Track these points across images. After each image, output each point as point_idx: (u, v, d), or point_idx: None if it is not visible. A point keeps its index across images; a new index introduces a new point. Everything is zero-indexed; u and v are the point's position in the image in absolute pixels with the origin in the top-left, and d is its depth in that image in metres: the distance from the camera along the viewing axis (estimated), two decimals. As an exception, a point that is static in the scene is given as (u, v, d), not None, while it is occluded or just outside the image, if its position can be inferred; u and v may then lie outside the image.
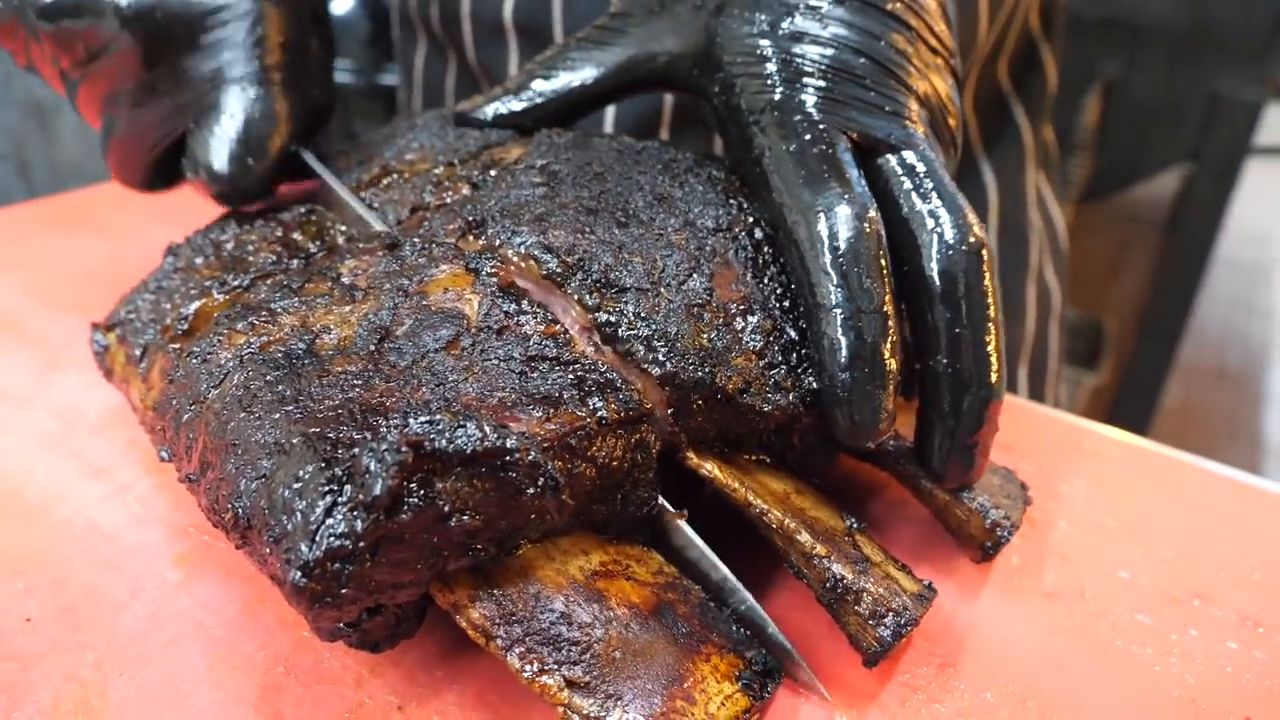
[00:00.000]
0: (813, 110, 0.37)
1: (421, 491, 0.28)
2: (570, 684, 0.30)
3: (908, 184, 0.36)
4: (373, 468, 0.27)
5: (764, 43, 0.38)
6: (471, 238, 0.37)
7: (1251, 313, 2.83)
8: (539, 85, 0.46)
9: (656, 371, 0.33)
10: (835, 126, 0.36)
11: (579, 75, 0.45)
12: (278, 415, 0.30)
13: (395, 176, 0.44)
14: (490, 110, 0.47)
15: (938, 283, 0.35)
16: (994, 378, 0.36)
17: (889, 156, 0.36)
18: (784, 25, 0.38)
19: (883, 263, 0.34)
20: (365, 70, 1.43)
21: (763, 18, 0.39)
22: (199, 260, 0.41)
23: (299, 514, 0.27)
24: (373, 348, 0.32)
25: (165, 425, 0.36)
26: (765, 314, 0.36)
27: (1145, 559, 0.44)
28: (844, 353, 0.33)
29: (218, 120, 0.44)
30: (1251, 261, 3.09)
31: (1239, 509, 0.48)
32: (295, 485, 0.27)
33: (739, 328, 0.35)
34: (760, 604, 0.35)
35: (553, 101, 0.46)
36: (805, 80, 0.37)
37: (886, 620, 0.32)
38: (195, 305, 0.37)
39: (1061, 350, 0.87)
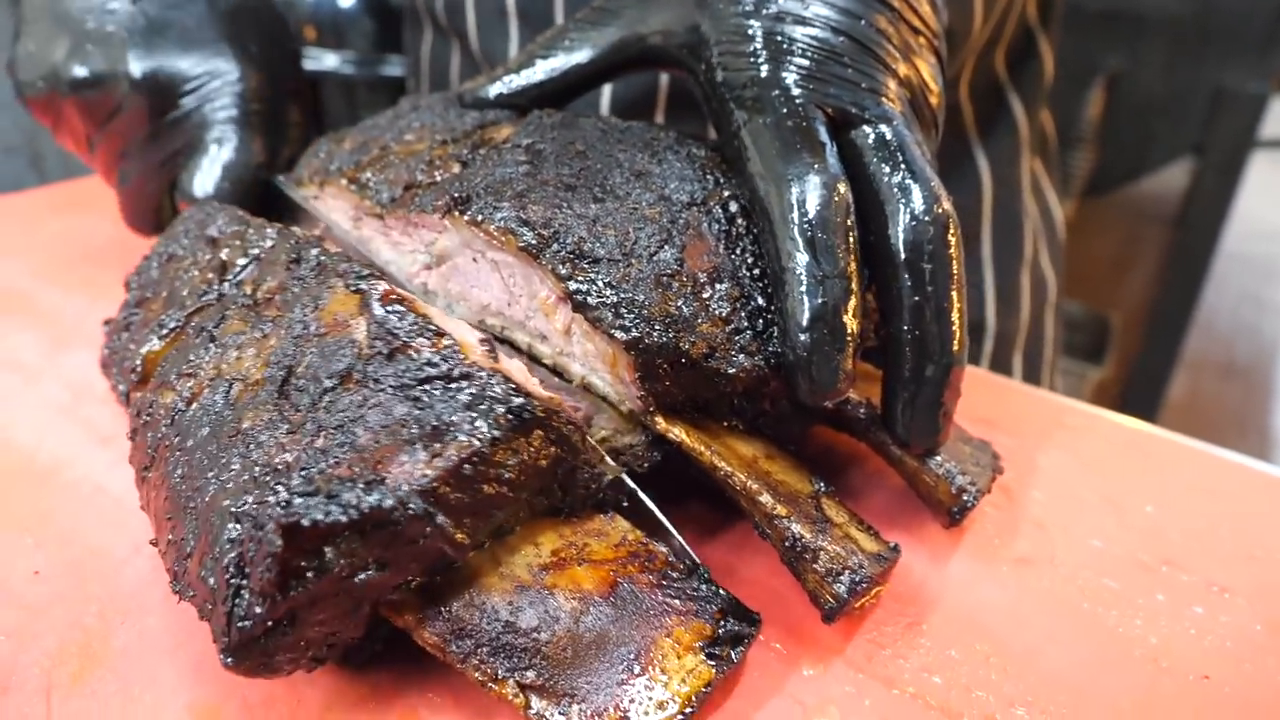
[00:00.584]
0: (791, 86, 0.38)
1: (315, 562, 0.28)
2: (525, 688, 0.31)
3: (879, 157, 0.37)
4: (257, 557, 0.27)
5: (748, 22, 0.40)
6: (457, 213, 0.39)
7: (1261, 307, 2.82)
8: (538, 65, 0.48)
9: (622, 336, 0.35)
10: (812, 102, 0.37)
11: (576, 55, 0.47)
12: (198, 486, 0.31)
13: (393, 157, 0.45)
14: (492, 90, 0.49)
15: (903, 251, 0.36)
16: (956, 345, 0.37)
17: (864, 128, 0.37)
18: (768, 6, 0.40)
19: (849, 230, 0.35)
20: (369, 62, 1.45)
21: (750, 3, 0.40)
22: (148, 294, 0.43)
23: (214, 603, 0.29)
24: (276, 393, 0.32)
25: (136, 479, 0.36)
26: (734, 283, 0.37)
27: (1118, 528, 0.45)
28: (805, 315, 0.34)
29: (203, 154, 0.53)
30: (1261, 256, 3.08)
31: (1215, 482, 0.49)
32: (207, 571, 0.29)
33: (706, 296, 0.36)
34: (737, 565, 0.37)
35: (551, 80, 0.48)
36: (786, 58, 0.38)
37: (843, 577, 0.34)
38: (143, 352, 0.38)
39: (1058, 340, 0.88)
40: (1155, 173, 1.84)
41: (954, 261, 0.36)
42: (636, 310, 0.35)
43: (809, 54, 0.38)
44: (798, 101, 0.38)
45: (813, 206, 0.35)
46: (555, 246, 0.37)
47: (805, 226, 0.35)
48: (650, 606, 0.33)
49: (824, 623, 0.35)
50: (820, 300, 0.34)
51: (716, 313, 0.36)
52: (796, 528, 0.35)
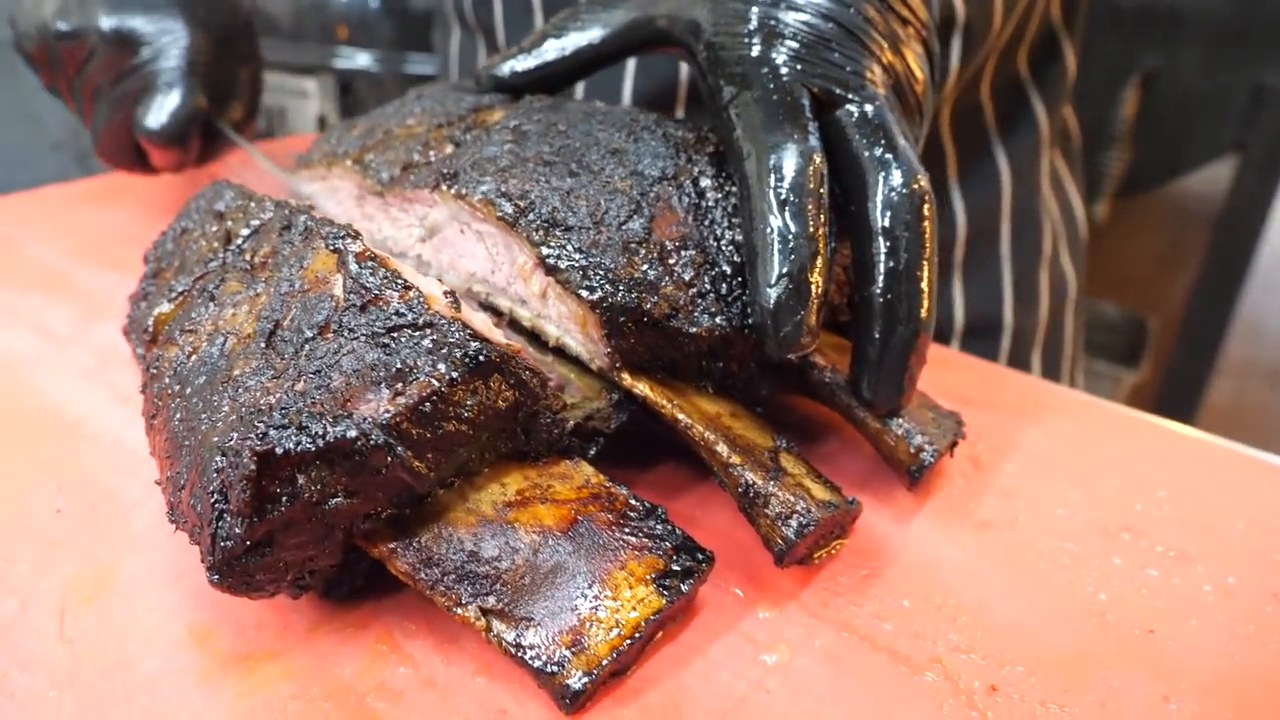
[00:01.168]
0: (779, 65, 0.40)
1: (288, 488, 0.31)
2: (486, 612, 0.33)
3: (861, 133, 0.39)
4: (234, 481, 0.30)
5: (745, 7, 0.42)
6: (445, 187, 0.42)
7: (1313, 311, 2.74)
8: (549, 44, 0.50)
9: (588, 296, 0.37)
10: (798, 80, 0.40)
11: (587, 35, 0.49)
12: (193, 426, 0.34)
13: (394, 140, 0.49)
14: (506, 68, 0.51)
15: (880, 220, 0.38)
16: (924, 311, 0.39)
17: (848, 107, 0.39)
18: None
19: (821, 197, 0.37)
20: (392, 60, 1.50)
21: None
22: (163, 265, 0.46)
23: (201, 526, 0.32)
24: (264, 344, 0.35)
25: (146, 427, 0.39)
26: (699, 250, 0.40)
27: (1084, 498, 0.46)
28: (773, 273, 0.36)
29: (155, 96, 0.63)
30: (1314, 259, 2.99)
31: (1185, 460, 0.50)
32: (196, 499, 0.32)
33: (672, 261, 0.39)
34: (701, 517, 0.39)
35: (562, 60, 0.50)
36: (777, 40, 0.41)
37: (791, 521, 0.36)
38: (155, 314, 0.41)
39: (1079, 338, 0.88)
40: (1193, 172, 1.81)
41: (927, 234, 0.38)
42: (603, 273, 0.38)
43: (799, 37, 0.41)
44: (784, 79, 0.40)
45: (788, 173, 0.37)
46: (531, 216, 0.39)
47: (779, 191, 0.37)
48: (607, 542, 0.36)
49: (776, 565, 0.37)
50: (788, 259, 0.36)
51: (681, 276, 0.39)
52: (750, 475, 0.37)
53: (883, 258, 0.38)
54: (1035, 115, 0.75)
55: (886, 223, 0.38)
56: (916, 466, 0.42)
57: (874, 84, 0.40)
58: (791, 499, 0.36)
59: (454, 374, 0.33)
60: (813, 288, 0.37)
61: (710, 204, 0.41)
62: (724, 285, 0.39)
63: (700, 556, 0.36)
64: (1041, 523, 0.44)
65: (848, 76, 0.40)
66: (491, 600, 0.34)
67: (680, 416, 0.38)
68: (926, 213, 0.38)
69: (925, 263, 0.38)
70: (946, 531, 0.44)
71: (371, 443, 0.32)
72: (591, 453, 0.40)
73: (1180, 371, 1.86)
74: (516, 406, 0.36)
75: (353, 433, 0.31)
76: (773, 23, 0.41)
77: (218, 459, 0.31)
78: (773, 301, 0.37)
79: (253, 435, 0.31)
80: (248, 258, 0.40)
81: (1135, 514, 0.45)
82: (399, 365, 0.33)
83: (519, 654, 0.33)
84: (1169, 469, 0.49)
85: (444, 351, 0.33)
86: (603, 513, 0.37)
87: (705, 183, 0.41)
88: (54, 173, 1.68)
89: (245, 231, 0.41)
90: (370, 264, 0.35)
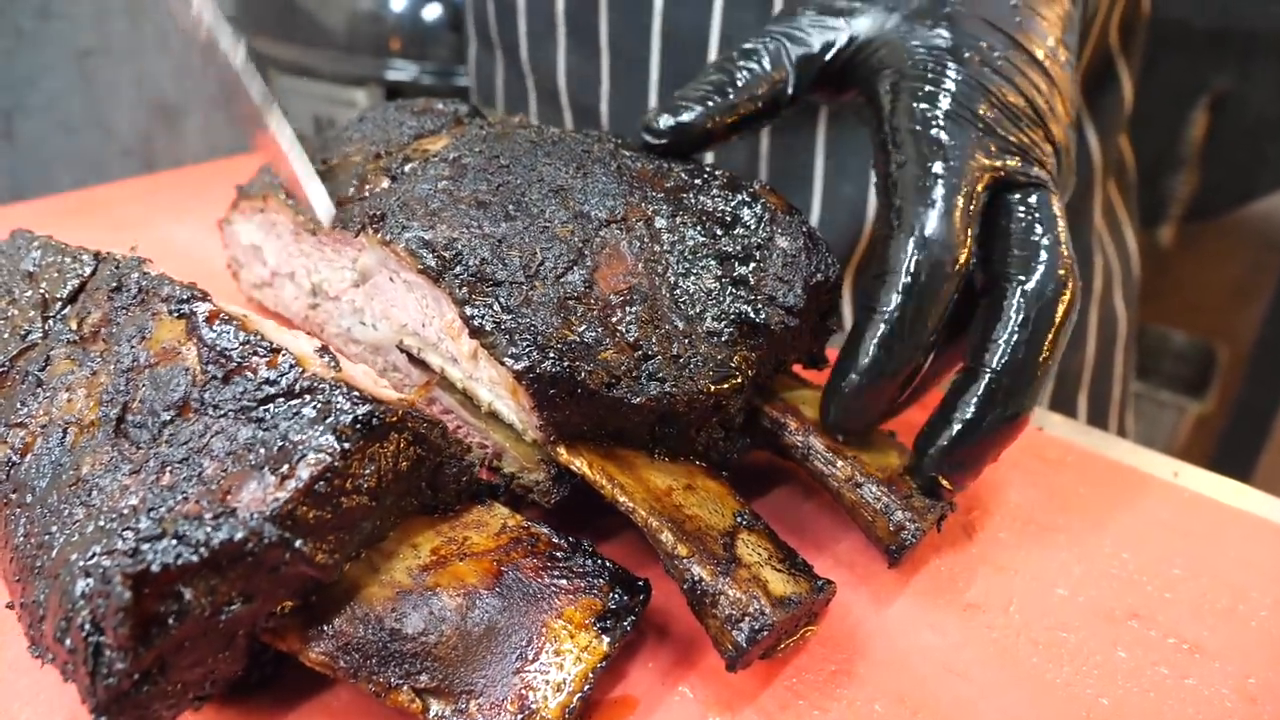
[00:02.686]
0: (965, 143, 0.38)
1: (174, 605, 0.27)
2: (420, 693, 0.30)
3: (1025, 219, 0.39)
4: (108, 612, 0.26)
5: (943, 58, 0.40)
6: (371, 230, 0.38)
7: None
8: (721, 89, 0.42)
9: (513, 365, 0.33)
10: (981, 168, 0.38)
11: (756, 75, 0.42)
12: (43, 542, 0.30)
13: (331, 171, 0.45)
14: (664, 123, 0.42)
15: (1020, 307, 0.37)
16: (1027, 409, 0.38)
17: (1018, 194, 0.39)
18: (965, 50, 0.40)
19: (946, 303, 0.37)
20: (446, 73, 1.49)
21: (947, 35, 0.40)
22: None
23: (75, 664, 0.27)
24: (114, 432, 0.31)
25: None
26: (648, 305, 0.35)
27: (1087, 575, 0.41)
28: (861, 360, 0.37)
29: None
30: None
31: (1203, 525, 0.45)
32: (62, 633, 0.27)
33: (615, 319, 0.35)
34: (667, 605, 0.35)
35: (723, 108, 0.42)
36: (968, 112, 0.39)
37: (742, 624, 0.32)
38: None
39: (1129, 379, 0.83)
40: (1267, 197, 1.72)
41: (1061, 335, 0.37)
42: (531, 337, 0.33)
43: (994, 110, 0.39)
44: (965, 162, 0.38)
45: (924, 272, 0.36)
46: (458, 269, 0.35)
47: (909, 284, 0.37)
48: (537, 590, 0.32)
49: (728, 670, 0.33)
50: (882, 359, 0.37)
51: (625, 337, 0.34)
52: (696, 570, 0.32)
53: (1011, 344, 0.37)
54: (1089, 146, 0.71)
55: (1025, 312, 0.37)
56: (896, 546, 0.37)
57: (1045, 167, 0.39)
58: (744, 599, 0.32)
59: (345, 444, 0.29)
60: (886, 395, 0.38)
61: (665, 248, 0.37)
62: (675, 345, 0.35)
63: (637, 587, 0.33)
64: (1038, 606, 0.40)
65: (1027, 162, 0.39)
66: (424, 679, 0.30)
67: (621, 499, 0.34)
68: (1063, 314, 0.38)
69: (1048, 362, 0.37)
70: (930, 615, 0.39)
71: (264, 541, 0.28)
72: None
73: (1248, 404, 1.77)
74: (419, 464, 0.32)
75: (240, 533, 0.27)
76: (970, 90, 0.39)
77: (82, 583, 0.27)
78: (841, 387, 0.38)
79: (120, 552, 0.26)
80: (74, 326, 0.35)
81: (1145, 596, 0.40)
82: (280, 442, 0.29)
83: None
84: (1186, 539, 0.44)
85: (330, 420, 0.29)
86: (527, 558, 0.33)
87: (660, 223, 0.37)
88: (122, 178, 1.68)
89: (63, 294, 0.36)
90: (227, 327, 0.31)
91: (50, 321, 0.36)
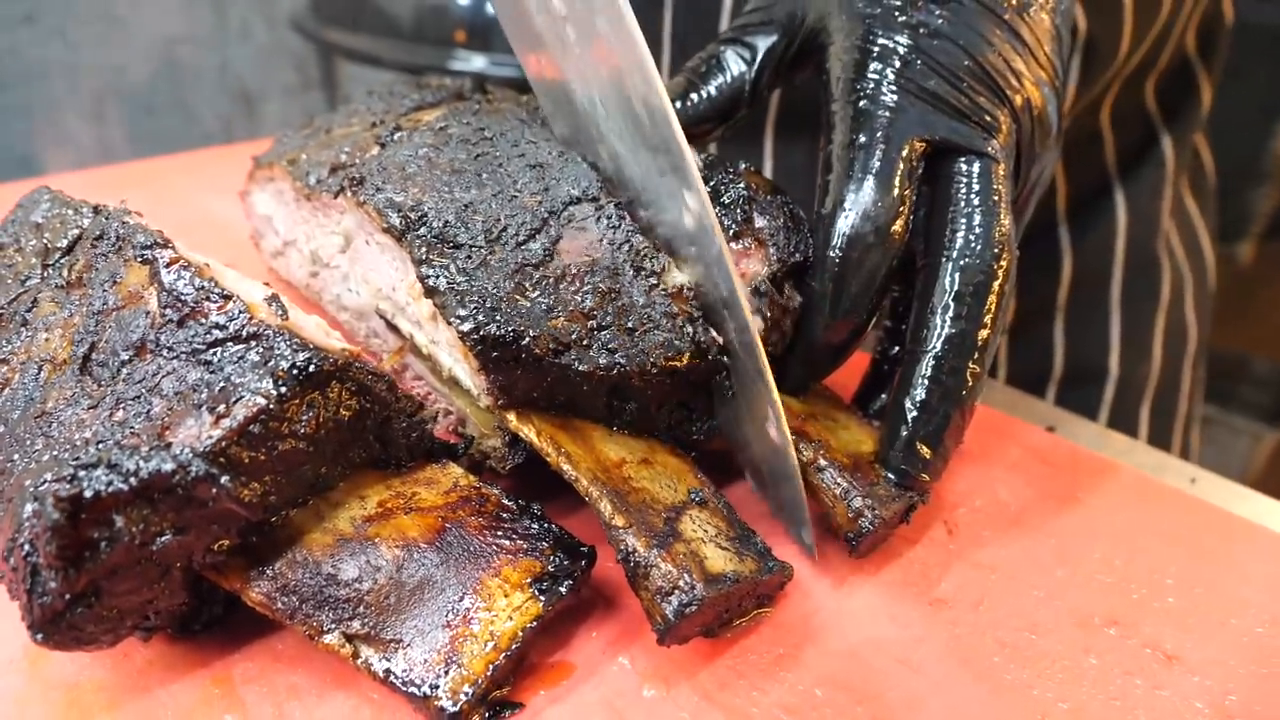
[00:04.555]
0: (901, 113, 0.38)
1: (107, 531, 0.28)
2: (351, 638, 0.31)
3: (962, 190, 0.38)
4: (41, 532, 0.27)
5: (884, 32, 0.39)
6: (350, 193, 0.39)
7: None
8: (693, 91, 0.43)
9: (458, 326, 0.33)
10: (915, 135, 0.38)
11: (732, 69, 0.43)
12: (5, 469, 0.31)
13: (331, 138, 0.46)
14: None
15: (951, 282, 0.37)
16: (971, 383, 0.37)
17: (960, 163, 0.38)
18: (908, 13, 0.39)
19: (877, 278, 0.38)
20: (505, 63, 1.52)
21: (891, 2, 0.39)
22: None
23: (16, 582, 0.28)
24: (80, 370, 0.32)
25: None
26: (608, 277, 0.35)
27: (1070, 579, 0.40)
28: (803, 342, 0.39)
29: None
30: None
31: (1201, 533, 0.42)
32: (9, 552, 0.28)
33: (573, 289, 0.35)
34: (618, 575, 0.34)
35: (706, 104, 0.43)
36: (910, 81, 0.38)
37: (671, 598, 0.31)
38: None
39: (1197, 395, 0.79)
40: None
41: (993, 308, 0.37)
42: (480, 299, 0.34)
43: (933, 78, 0.38)
44: (900, 131, 0.38)
45: (857, 249, 0.37)
46: (422, 230, 0.36)
47: (840, 258, 0.37)
48: (478, 548, 0.33)
49: (658, 644, 0.33)
50: (821, 330, 0.39)
51: (579, 307, 0.34)
52: (631, 540, 0.32)
53: (948, 322, 0.37)
54: (1161, 150, 0.68)
55: (958, 286, 0.37)
56: (854, 533, 0.37)
57: (997, 136, 0.38)
58: (674, 572, 0.31)
59: (282, 388, 0.30)
60: (835, 362, 0.40)
61: (632, 229, 0.37)
62: (631, 318, 0.35)
63: (581, 553, 0.33)
64: (1010, 605, 0.38)
65: (970, 127, 0.38)
66: (356, 625, 0.31)
67: (565, 467, 0.34)
68: (998, 288, 0.37)
69: (985, 337, 0.37)
70: (893, 607, 0.38)
71: (192, 475, 0.29)
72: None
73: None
74: (363, 415, 0.32)
75: (169, 465, 0.28)
76: (907, 51, 0.38)
77: (28, 507, 0.28)
78: (800, 361, 0.40)
79: (60, 479, 0.28)
80: (64, 274, 0.37)
81: (1130, 603, 0.38)
82: (222, 384, 0.30)
83: (389, 679, 0.30)
84: (1186, 549, 0.41)
85: (270, 365, 0.30)
86: (473, 516, 0.33)
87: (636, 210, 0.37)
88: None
89: (63, 244, 0.38)
90: (184, 273, 0.32)
91: (48, 269, 0.38)
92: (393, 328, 0.41)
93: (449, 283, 0.34)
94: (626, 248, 0.36)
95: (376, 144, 0.42)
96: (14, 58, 1.49)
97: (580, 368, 0.34)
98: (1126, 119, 0.66)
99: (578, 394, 0.35)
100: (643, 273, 0.36)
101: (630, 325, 0.35)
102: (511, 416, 0.35)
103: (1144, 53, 0.63)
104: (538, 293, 0.34)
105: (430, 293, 0.34)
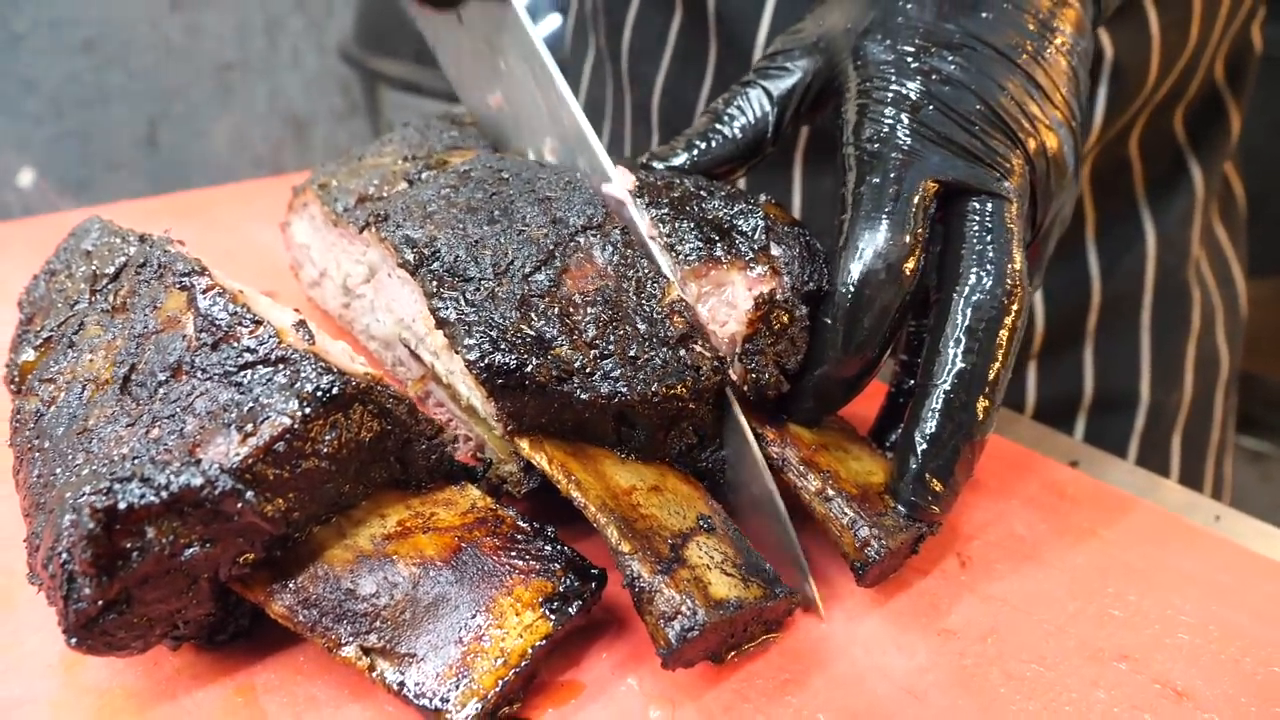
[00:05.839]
0: (913, 154, 0.39)
1: (139, 541, 0.29)
2: (368, 651, 0.32)
3: (975, 229, 0.39)
4: (77, 541, 0.29)
5: (896, 75, 0.40)
6: (374, 229, 0.40)
7: None
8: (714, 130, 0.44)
9: (466, 355, 0.35)
10: (927, 175, 0.39)
11: (755, 111, 0.44)
12: (49, 482, 0.33)
13: (362, 168, 0.48)
14: (656, 165, 0.44)
15: (962, 317, 0.38)
16: (982, 418, 0.38)
17: (973, 202, 0.39)
18: (921, 60, 0.40)
19: (891, 316, 0.38)
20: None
21: (905, 48, 0.40)
22: (36, 310, 0.43)
23: (54, 588, 0.30)
24: (120, 390, 0.34)
25: (14, 483, 0.37)
26: (612, 307, 0.36)
27: (1082, 613, 0.40)
28: (813, 379, 0.40)
29: None
30: None
31: (1222, 570, 0.42)
32: (48, 560, 0.30)
33: (577, 318, 0.36)
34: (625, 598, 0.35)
35: (730, 144, 0.44)
36: (920, 123, 0.39)
37: (674, 623, 0.32)
38: (20, 361, 0.40)
39: (1228, 424, 0.79)
40: None
41: (1005, 345, 0.38)
42: (485, 329, 0.35)
43: (943, 120, 0.39)
44: (912, 171, 0.39)
45: (869, 289, 0.38)
46: (435, 265, 0.37)
47: (853, 298, 0.38)
48: (492, 568, 0.34)
49: (663, 668, 0.33)
50: (834, 365, 0.39)
51: (583, 336, 0.36)
52: (636, 566, 0.33)
53: (959, 357, 0.38)
54: (1191, 178, 0.68)
55: (969, 322, 0.38)
56: (861, 563, 0.37)
57: (1011, 175, 0.39)
58: (678, 598, 0.32)
59: (307, 410, 0.31)
60: (845, 398, 0.41)
61: (636, 254, 0.38)
62: (633, 346, 0.36)
63: (592, 575, 0.34)
64: (1019, 638, 0.38)
65: (981, 168, 0.39)
66: (372, 639, 0.32)
67: (575, 494, 0.35)
68: (1009, 324, 0.38)
69: (996, 372, 0.38)
70: (901, 637, 0.38)
71: (219, 490, 0.30)
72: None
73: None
74: (383, 437, 0.34)
75: (198, 480, 0.30)
76: (920, 96, 0.39)
77: (66, 517, 0.30)
78: (808, 394, 0.40)
79: (97, 491, 0.29)
80: (110, 299, 0.39)
81: (1141, 639, 0.38)
82: (251, 405, 0.31)
83: (403, 692, 0.32)
84: (1203, 587, 0.41)
85: (296, 387, 0.31)
86: (488, 537, 0.35)
87: (635, 233, 0.38)
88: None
89: (110, 270, 0.40)
90: (219, 299, 0.34)
91: (95, 295, 0.40)
92: (416, 356, 0.42)
93: (458, 314, 0.36)
94: (630, 273, 0.37)
95: (404, 180, 0.44)
96: (74, 84, 1.55)
97: (583, 396, 0.35)
98: (1155, 147, 0.66)
99: (585, 420, 0.36)
100: (644, 295, 0.37)
101: (633, 354, 0.36)
102: (524, 444, 0.36)
103: (1173, 81, 0.63)
104: (542, 322, 0.36)
105: (441, 324, 0.36)
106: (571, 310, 0.36)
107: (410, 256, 0.38)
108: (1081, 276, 0.68)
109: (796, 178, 0.68)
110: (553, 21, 1.64)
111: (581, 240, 0.38)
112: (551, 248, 0.37)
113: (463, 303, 0.36)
